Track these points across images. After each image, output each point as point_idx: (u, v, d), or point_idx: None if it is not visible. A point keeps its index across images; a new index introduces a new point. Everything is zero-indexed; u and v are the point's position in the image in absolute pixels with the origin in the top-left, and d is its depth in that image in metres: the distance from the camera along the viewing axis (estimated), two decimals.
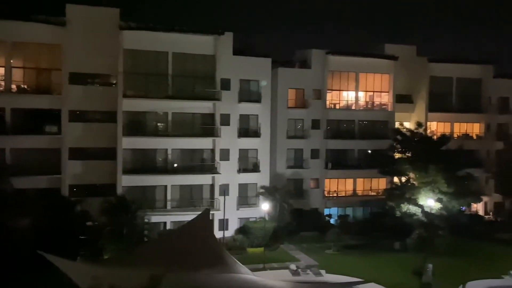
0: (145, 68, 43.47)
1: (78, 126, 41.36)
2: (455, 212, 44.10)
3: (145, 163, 43.67)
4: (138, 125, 43.10)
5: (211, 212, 38.68)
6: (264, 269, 35.75)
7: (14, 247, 29.00)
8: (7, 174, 35.66)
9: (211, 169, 44.90)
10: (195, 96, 44.48)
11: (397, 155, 47.17)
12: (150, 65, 43.57)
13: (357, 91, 53.14)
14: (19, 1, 46.00)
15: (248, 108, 46.89)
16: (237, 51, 46.33)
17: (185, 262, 23.44)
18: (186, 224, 29.77)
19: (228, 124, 45.82)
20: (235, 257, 28.22)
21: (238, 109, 46.48)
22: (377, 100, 54.45)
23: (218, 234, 40.42)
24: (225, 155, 45.63)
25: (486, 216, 54.91)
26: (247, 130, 47.33)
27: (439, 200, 42.34)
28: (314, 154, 50.83)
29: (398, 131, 47.80)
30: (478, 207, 55.18)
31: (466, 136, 56.24)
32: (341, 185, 52.62)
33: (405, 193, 44.13)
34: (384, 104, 54.49)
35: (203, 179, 44.87)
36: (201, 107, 44.72)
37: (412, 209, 42.95)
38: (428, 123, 53.36)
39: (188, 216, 34.34)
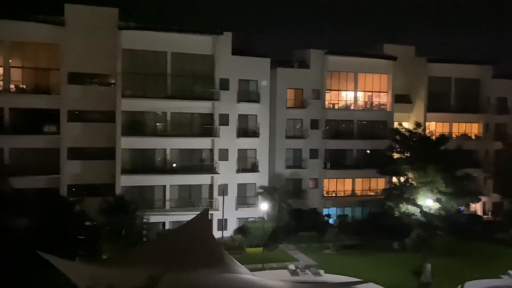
0: (144, 68, 43.45)
1: (77, 126, 41.35)
2: (454, 212, 44.04)
3: (144, 163, 43.64)
4: (137, 125, 43.07)
5: (210, 212, 38.77)
6: (263, 269, 35.69)
7: (13, 247, 29.02)
8: (5, 174, 35.66)
9: (210, 169, 44.91)
10: (194, 96, 44.44)
11: (395, 155, 47.10)
12: (149, 65, 43.55)
13: (356, 91, 53.14)
14: (18, 1, 45.98)
15: (247, 108, 46.91)
16: (236, 51, 46.28)
17: (184, 262, 23.49)
18: (185, 224, 29.84)
19: (227, 124, 45.83)
20: (234, 257, 28.28)
21: (237, 109, 46.48)
22: (376, 100, 54.46)
23: (217, 234, 40.36)
24: (224, 155, 45.64)
25: (485, 216, 54.92)
26: (246, 130, 47.32)
27: (437, 200, 42.36)
28: (313, 154, 50.82)
29: (397, 131, 47.75)
30: (477, 207, 55.12)
31: (464, 136, 56.25)
32: (340, 185, 52.60)
33: (403, 193, 44.12)
34: (383, 104, 54.51)
35: (202, 179, 44.87)
36: (200, 107, 44.72)
37: (411, 209, 42.93)
38: (427, 123, 53.38)
39: (187, 216, 34.36)
